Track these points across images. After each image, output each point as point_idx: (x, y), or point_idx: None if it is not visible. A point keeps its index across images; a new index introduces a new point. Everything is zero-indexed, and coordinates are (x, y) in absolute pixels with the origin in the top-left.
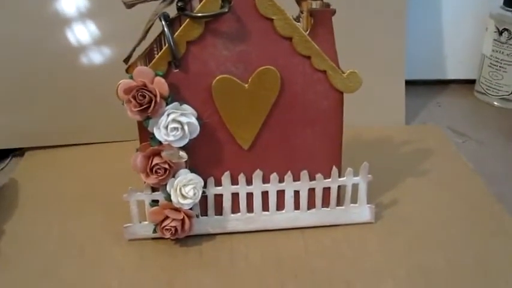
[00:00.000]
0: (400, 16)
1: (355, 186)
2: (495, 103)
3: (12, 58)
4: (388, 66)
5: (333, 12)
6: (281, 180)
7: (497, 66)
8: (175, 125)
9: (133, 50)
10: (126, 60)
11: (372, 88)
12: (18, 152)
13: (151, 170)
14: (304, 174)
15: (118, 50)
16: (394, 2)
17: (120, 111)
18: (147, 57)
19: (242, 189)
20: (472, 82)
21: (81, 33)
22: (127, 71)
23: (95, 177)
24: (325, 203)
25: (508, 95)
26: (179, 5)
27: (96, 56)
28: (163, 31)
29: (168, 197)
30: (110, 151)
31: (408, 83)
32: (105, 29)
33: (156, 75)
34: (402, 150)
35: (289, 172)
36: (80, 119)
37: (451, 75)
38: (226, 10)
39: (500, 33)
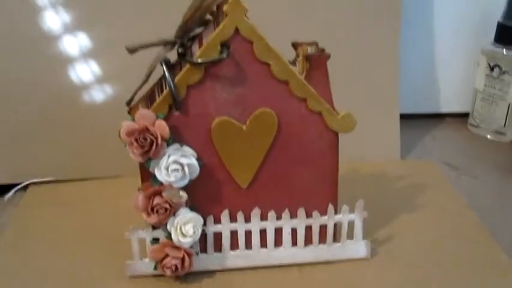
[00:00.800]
0: (393, 51)
1: (351, 222)
2: (488, 136)
3: (14, 95)
4: (382, 101)
5: (328, 56)
6: (279, 218)
7: (489, 100)
8: (175, 166)
9: (135, 93)
10: (128, 103)
11: (366, 123)
12: (21, 187)
13: (152, 209)
14: (301, 211)
15: (120, 88)
16: (388, 37)
17: (123, 147)
18: (149, 99)
19: (241, 226)
20: (466, 115)
21: (84, 71)
22: (129, 112)
23: (97, 213)
24: (322, 239)
25: (501, 128)
26: (180, 51)
27: (98, 94)
28: (164, 75)
29: (169, 236)
30: (112, 186)
31: (403, 116)
32: (108, 68)
33: (158, 117)
34: (397, 185)
35: (287, 210)
36: (82, 155)
37: (445, 109)
38: (225, 56)
39: (492, 68)
